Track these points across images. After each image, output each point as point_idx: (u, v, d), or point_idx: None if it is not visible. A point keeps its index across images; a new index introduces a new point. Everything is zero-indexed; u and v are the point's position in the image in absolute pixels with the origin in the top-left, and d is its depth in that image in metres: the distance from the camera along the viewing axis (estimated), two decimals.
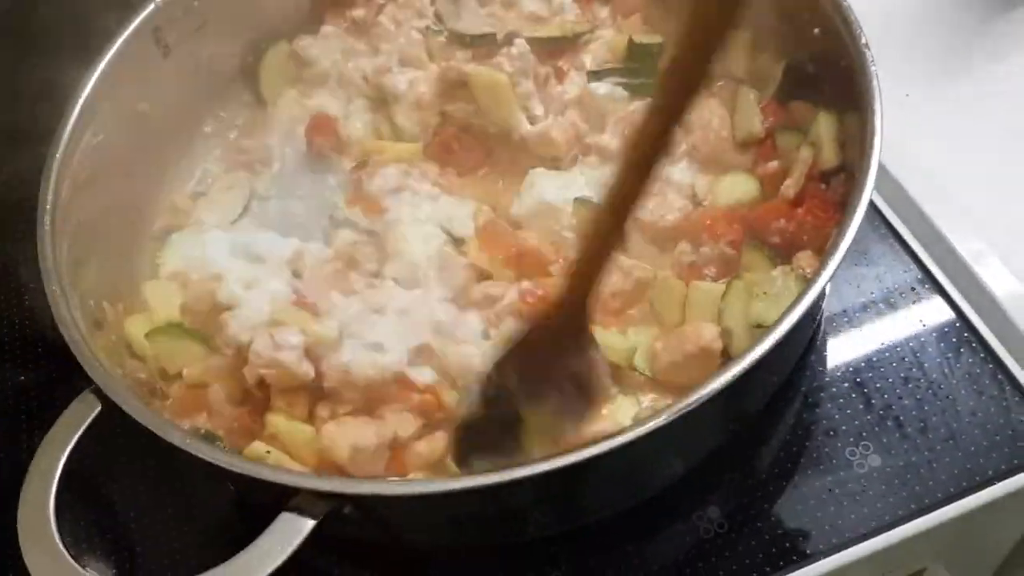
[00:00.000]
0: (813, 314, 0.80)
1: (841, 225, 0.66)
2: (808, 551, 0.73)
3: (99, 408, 0.70)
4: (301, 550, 0.61)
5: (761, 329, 0.68)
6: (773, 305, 0.73)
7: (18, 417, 0.90)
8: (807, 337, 0.80)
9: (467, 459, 0.67)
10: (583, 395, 0.64)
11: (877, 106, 0.72)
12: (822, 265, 0.64)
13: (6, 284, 1.00)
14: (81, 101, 0.84)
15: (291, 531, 0.62)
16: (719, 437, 0.75)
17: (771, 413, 0.80)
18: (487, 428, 0.65)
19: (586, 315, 0.62)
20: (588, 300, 0.62)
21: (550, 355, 0.63)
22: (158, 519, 0.80)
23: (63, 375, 0.87)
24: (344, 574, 0.78)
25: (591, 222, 0.62)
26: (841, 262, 0.66)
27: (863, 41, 0.76)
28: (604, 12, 1.02)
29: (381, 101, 0.95)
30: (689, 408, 0.60)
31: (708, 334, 0.74)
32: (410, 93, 0.92)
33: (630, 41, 0.96)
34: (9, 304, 0.99)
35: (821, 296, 0.70)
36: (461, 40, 0.96)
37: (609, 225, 0.59)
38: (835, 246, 0.65)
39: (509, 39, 0.94)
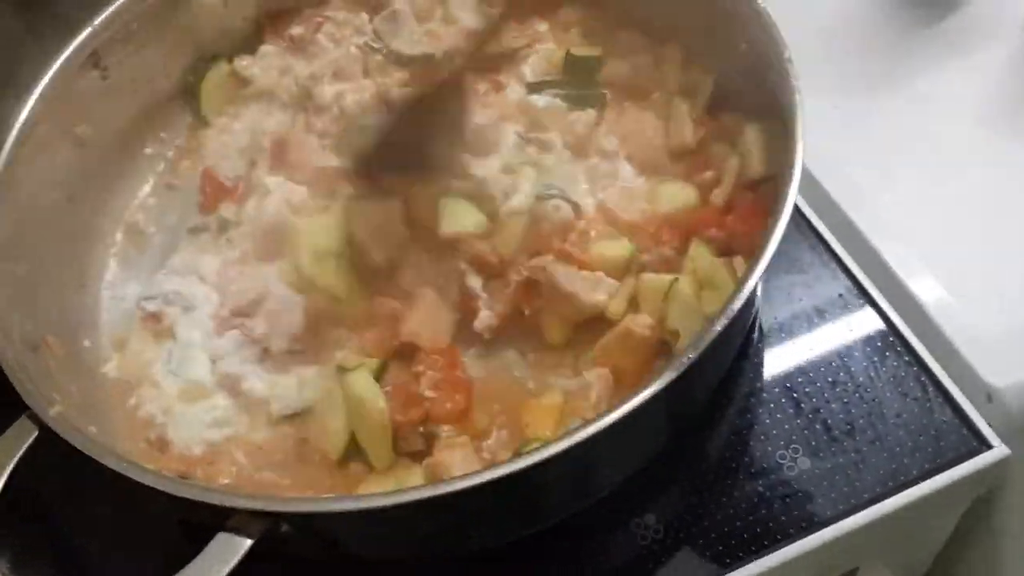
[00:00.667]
0: (746, 317, 0.82)
1: (769, 226, 0.69)
2: (741, 554, 0.75)
3: (36, 433, 0.70)
4: (239, 569, 0.62)
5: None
6: (718, 297, 0.75)
7: None
8: (742, 336, 0.82)
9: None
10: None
11: (799, 114, 0.75)
12: (755, 259, 0.67)
13: None
14: (18, 125, 0.85)
15: (227, 551, 0.62)
16: (657, 443, 0.77)
17: (706, 421, 0.82)
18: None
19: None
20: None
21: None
22: (99, 541, 0.80)
23: None
24: None
25: None
26: (771, 266, 0.69)
27: (786, 56, 0.79)
28: (543, 27, 1.04)
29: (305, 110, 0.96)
30: (634, 408, 0.62)
31: (641, 320, 0.78)
32: (335, 105, 0.93)
33: (568, 54, 0.98)
34: None
35: (754, 295, 0.71)
36: (399, 59, 0.97)
37: None
38: (765, 243, 0.67)
39: (448, 58, 0.95)
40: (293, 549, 0.71)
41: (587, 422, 0.62)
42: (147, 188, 0.99)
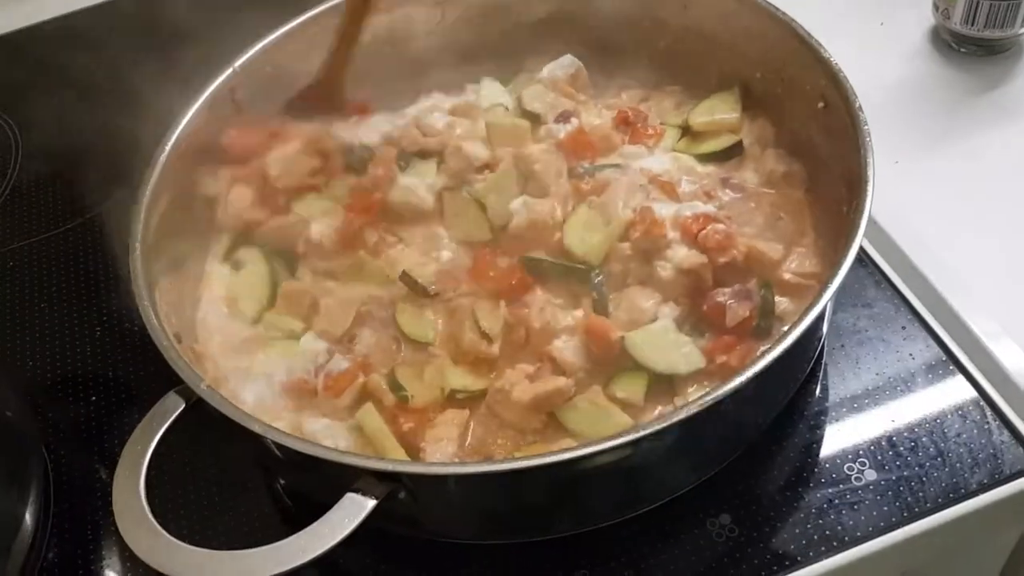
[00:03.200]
0: (816, 335, 0.89)
1: (840, 254, 0.77)
2: (811, 554, 0.81)
3: (183, 406, 0.79)
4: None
5: None
6: None
7: (90, 440, 1.00)
8: (813, 354, 0.89)
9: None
10: None
11: (870, 158, 0.83)
12: (827, 281, 0.75)
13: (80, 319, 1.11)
14: (168, 148, 0.96)
15: (354, 510, 0.70)
16: (728, 449, 0.84)
17: (779, 433, 0.89)
18: None
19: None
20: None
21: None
22: (232, 507, 0.90)
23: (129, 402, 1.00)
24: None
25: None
26: (840, 298, 0.76)
27: (857, 104, 0.88)
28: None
29: None
30: (706, 405, 0.70)
31: None
32: None
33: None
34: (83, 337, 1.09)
35: (822, 316, 0.79)
36: None
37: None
38: (836, 269, 0.75)
39: None
40: (403, 527, 0.79)
41: (667, 414, 0.70)
42: None
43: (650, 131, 1.05)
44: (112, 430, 0.99)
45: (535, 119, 1.05)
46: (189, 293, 0.99)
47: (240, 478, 0.93)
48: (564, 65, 1.12)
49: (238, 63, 1.04)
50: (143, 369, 1.03)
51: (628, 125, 1.06)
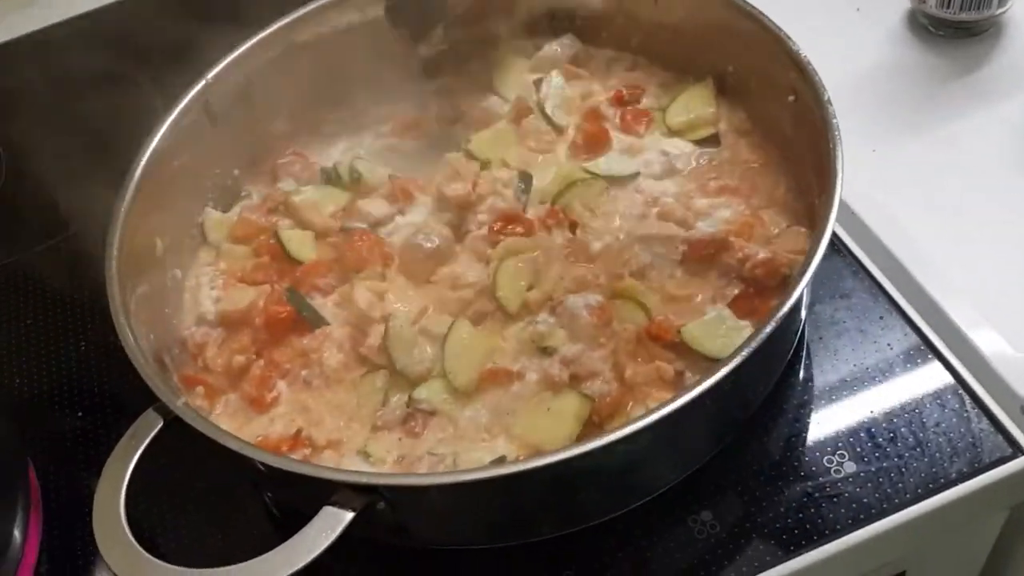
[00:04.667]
0: (794, 325, 0.89)
1: (812, 242, 0.77)
2: (792, 547, 0.82)
3: (161, 424, 0.80)
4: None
5: None
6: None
7: (76, 455, 1.00)
8: (791, 345, 0.89)
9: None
10: None
11: (839, 151, 0.83)
12: (800, 271, 0.76)
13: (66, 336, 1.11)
14: (142, 163, 0.96)
15: (331, 523, 0.71)
16: (709, 445, 0.84)
17: (759, 428, 0.89)
18: None
19: None
20: None
21: None
22: (222, 519, 0.91)
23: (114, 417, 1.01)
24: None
25: None
26: (818, 289, 0.77)
27: (826, 97, 0.88)
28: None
29: None
30: (692, 398, 0.70)
31: None
32: None
33: None
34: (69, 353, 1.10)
35: (800, 304, 0.80)
36: None
37: None
38: (809, 258, 0.75)
39: None
40: (377, 533, 0.80)
41: (643, 413, 0.70)
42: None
43: (641, 116, 1.07)
44: (99, 444, 1.00)
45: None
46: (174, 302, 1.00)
47: (229, 489, 0.93)
48: (565, 44, 1.14)
49: (211, 74, 1.04)
50: (129, 382, 1.03)
51: (622, 105, 1.08)
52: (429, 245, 0.97)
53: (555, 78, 1.10)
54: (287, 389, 0.92)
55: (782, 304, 0.75)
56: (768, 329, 0.73)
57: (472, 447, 0.83)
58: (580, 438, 0.82)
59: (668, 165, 1.02)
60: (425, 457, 0.84)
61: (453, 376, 0.88)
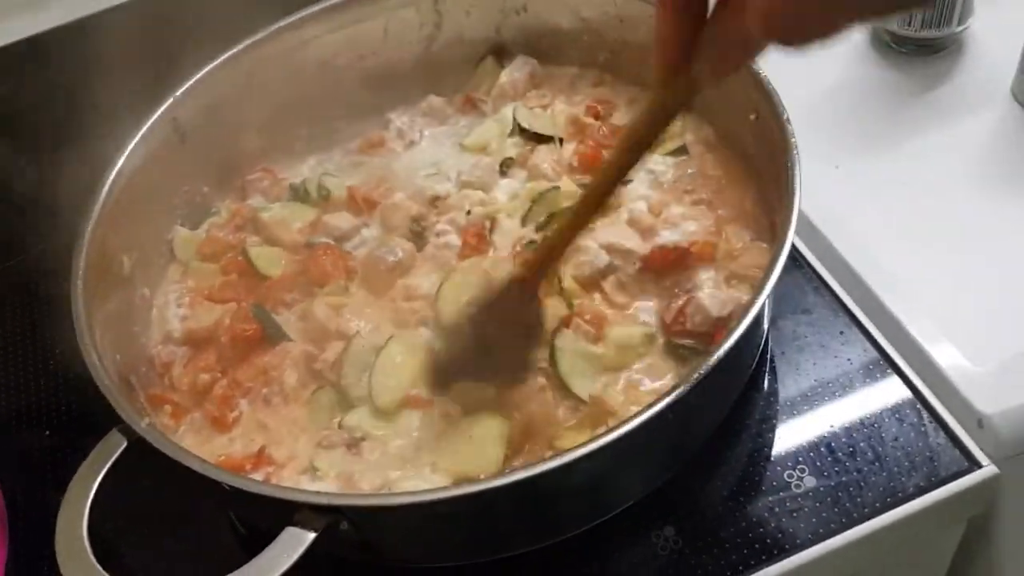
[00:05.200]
0: (756, 339, 0.90)
1: (772, 256, 0.78)
2: (753, 562, 0.83)
3: (125, 444, 0.80)
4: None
5: None
6: None
7: (43, 473, 1.00)
8: (752, 359, 0.90)
9: (443, 384, 0.88)
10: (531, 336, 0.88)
11: (797, 171, 0.84)
12: (760, 283, 0.77)
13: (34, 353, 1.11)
14: (109, 181, 0.97)
15: (293, 544, 0.71)
16: (670, 461, 0.85)
17: (720, 443, 0.90)
18: (457, 361, 0.88)
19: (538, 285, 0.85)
20: (545, 274, 0.85)
21: (509, 311, 0.86)
22: (176, 544, 0.90)
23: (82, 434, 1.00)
24: None
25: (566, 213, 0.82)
26: (780, 306, 0.78)
27: (785, 116, 0.89)
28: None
29: None
30: (650, 416, 0.71)
31: None
32: None
33: None
34: (36, 371, 1.10)
35: (761, 316, 0.81)
36: None
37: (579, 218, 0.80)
38: (769, 270, 0.77)
39: None
40: (344, 551, 0.80)
41: (608, 429, 0.71)
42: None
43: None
44: (67, 463, 0.99)
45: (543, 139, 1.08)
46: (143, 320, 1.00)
47: (195, 508, 0.93)
48: (520, 66, 1.15)
49: (179, 91, 1.05)
50: (97, 400, 1.03)
51: (598, 119, 1.09)
52: (392, 258, 0.98)
53: (521, 110, 1.11)
54: (248, 407, 0.92)
55: (733, 329, 0.75)
56: (714, 359, 0.74)
57: (404, 477, 0.84)
58: (509, 458, 0.83)
59: (654, 182, 1.03)
60: (367, 473, 0.84)
61: (376, 395, 0.88)
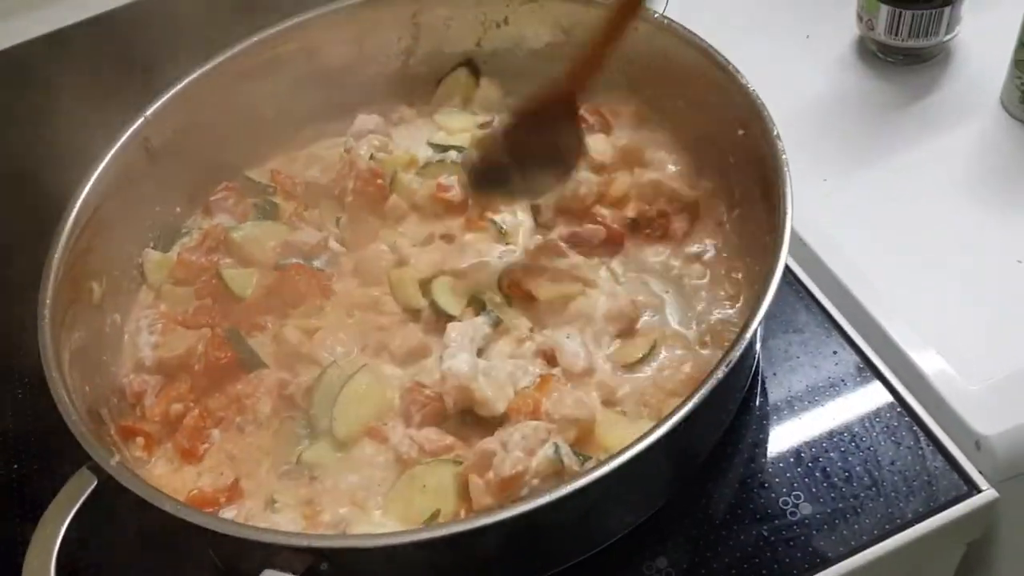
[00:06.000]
0: (748, 363, 0.88)
1: (766, 279, 0.76)
2: None
3: (95, 483, 0.76)
4: None
5: None
6: None
7: (10, 507, 0.96)
8: (745, 383, 0.88)
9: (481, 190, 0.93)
10: (564, 159, 0.90)
11: (787, 189, 0.82)
12: (754, 309, 0.74)
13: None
14: (79, 203, 0.93)
15: None
16: (666, 487, 0.83)
17: (713, 470, 0.87)
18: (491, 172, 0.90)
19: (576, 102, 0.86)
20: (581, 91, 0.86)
21: (543, 127, 0.87)
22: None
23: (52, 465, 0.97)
24: None
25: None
26: (771, 326, 0.76)
27: (775, 132, 0.87)
28: None
29: None
30: (641, 449, 0.69)
31: None
32: None
33: None
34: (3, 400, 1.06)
35: (753, 343, 0.78)
36: None
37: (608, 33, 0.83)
38: (762, 294, 0.74)
39: None
40: None
41: (598, 464, 0.69)
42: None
43: None
44: (36, 495, 0.96)
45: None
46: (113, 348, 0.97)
47: (170, 543, 0.88)
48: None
49: (150, 111, 1.01)
50: (67, 431, 1.00)
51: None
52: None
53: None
54: (220, 438, 0.90)
55: (734, 345, 0.74)
56: (727, 364, 0.72)
57: (358, 518, 0.81)
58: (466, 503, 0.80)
59: None
60: (329, 506, 0.83)
61: (336, 424, 0.86)
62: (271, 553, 0.69)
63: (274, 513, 0.84)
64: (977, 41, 1.18)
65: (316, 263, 1.01)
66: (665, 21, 0.99)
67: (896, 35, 1.15)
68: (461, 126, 1.12)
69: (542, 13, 1.09)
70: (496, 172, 0.90)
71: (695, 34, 0.97)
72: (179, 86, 1.03)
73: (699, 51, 0.96)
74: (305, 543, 0.68)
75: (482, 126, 1.10)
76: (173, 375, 0.94)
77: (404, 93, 1.16)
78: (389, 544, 0.68)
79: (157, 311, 1.00)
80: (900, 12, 1.13)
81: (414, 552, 0.70)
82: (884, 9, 1.13)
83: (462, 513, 0.79)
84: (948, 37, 1.15)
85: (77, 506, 0.75)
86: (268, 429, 0.90)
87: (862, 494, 0.84)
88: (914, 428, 0.87)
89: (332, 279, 0.99)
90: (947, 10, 1.12)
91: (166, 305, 1.00)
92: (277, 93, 1.10)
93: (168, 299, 1.01)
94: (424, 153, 1.09)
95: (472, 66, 1.15)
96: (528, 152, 0.87)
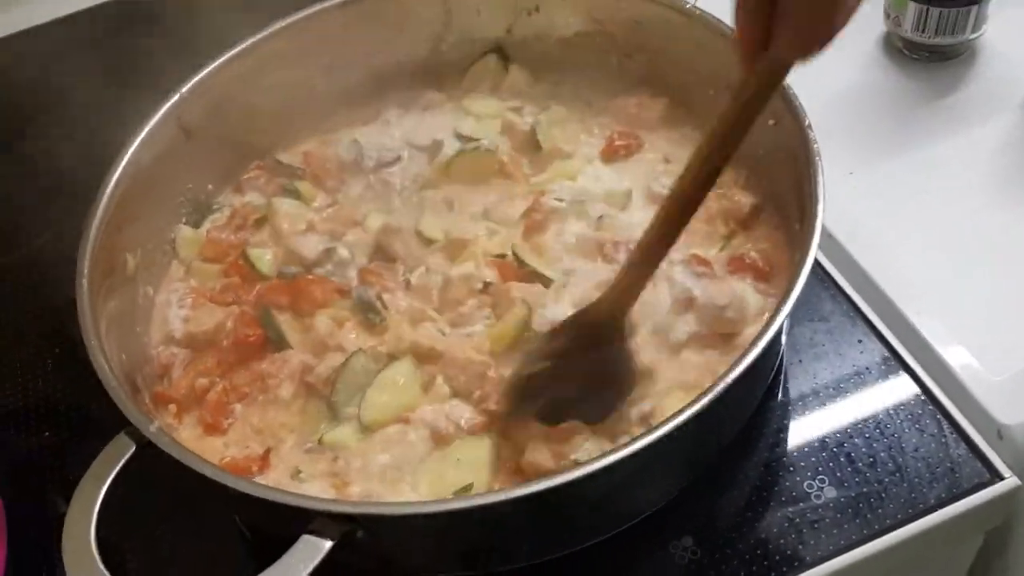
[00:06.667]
0: (775, 350, 0.89)
1: (796, 267, 0.77)
2: (773, 574, 0.81)
3: (133, 448, 0.77)
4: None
5: None
6: None
7: (42, 474, 0.98)
8: (772, 369, 0.89)
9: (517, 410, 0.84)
10: (613, 386, 0.83)
11: (820, 178, 0.83)
12: (782, 299, 0.75)
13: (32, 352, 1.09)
14: (115, 178, 0.94)
15: (310, 552, 0.69)
16: (693, 467, 0.84)
17: (739, 453, 0.88)
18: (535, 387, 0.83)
19: (624, 323, 0.81)
20: (628, 311, 0.81)
21: (588, 353, 0.82)
22: (186, 550, 0.88)
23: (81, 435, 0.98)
24: None
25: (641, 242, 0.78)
26: (796, 313, 0.77)
27: (807, 123, 0.88)
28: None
29: None
30: (668, 431, 0.69)
31: None
32: None
33: None
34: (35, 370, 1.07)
35: (780, 332, 0.79)
36: None
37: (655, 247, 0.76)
38: (791, 285, 0.75)
39: None
40: (358, 561, 0.78)
41: (629, 440, 0.70)
42: None
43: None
44: (67, 464, 0.97)
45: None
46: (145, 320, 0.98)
47: (201, 511, 0.90)
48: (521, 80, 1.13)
49: (184, 88, 1.02)
50: (97, 400, 1.00)
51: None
52: None
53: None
54: (243, 412, 0.91)
55: (759, 338, 0.74)
56: (748, 360, 0.72)
57: (387, 491, 0.82)
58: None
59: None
60: (354, 483, 0.83)
61: (365, 410, 0.87)
62: (306, 520, 0.70)
63: (301, 483, 0.85)
64: (1003, 40, 1.19)
65: (319, 271, 1.00)
66: (697, 12, 1.00)
67: (923, 32, 1.16)
68: (490, 111, 1.13)
69: (574, 2, 1.10)
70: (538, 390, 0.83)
71: (724, 22, 0.98)
72: (212, 65, 1.04)
73: (728, 40, 0.96)
74: (345, 509, 0.69)
75: (512, 110, 1.11)
76: (201, 349, 0.95)
77: (433, 79, 1.16)
78: (431, 512, 0.69)
79: (187, 285, 1.01)
80: (927, 9, 1.14)
81: (449, 522, 0.71)
82: (912, 6, 1.14)
83: (496, 487, 0.80)
84: (974, 35, 1.16)
85: (116, 470, 0.76)
86: (290, 409, 0.91)
87: (886, 479, 0.85)
88: (938, 416, 0.88)
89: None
90: (974, 8, 1.13)
91: (196, 280, 1.02)
92: (309, 76, 1.11)
93: (198, 275, 1.02)
94: (451, 143, 1.10)
95: (502, 53, 1.16)
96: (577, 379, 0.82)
